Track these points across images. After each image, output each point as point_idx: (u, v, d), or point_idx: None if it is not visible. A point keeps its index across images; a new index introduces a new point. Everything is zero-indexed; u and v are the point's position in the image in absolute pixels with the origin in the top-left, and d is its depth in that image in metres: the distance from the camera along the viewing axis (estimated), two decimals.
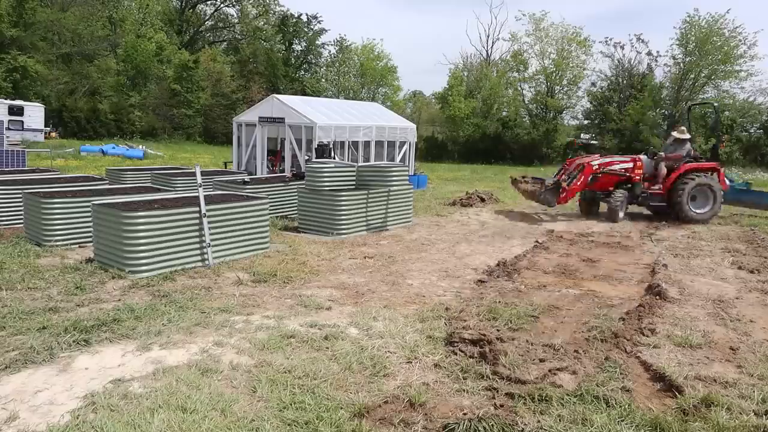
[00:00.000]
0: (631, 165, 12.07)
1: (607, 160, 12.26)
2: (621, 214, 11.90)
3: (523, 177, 12.88)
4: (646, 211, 12.94)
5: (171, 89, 40.61)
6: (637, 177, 12.01)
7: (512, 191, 14.11)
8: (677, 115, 37.01)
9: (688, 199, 11.71)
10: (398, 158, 17.81)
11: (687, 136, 12.43)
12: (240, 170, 15.00)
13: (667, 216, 11.99)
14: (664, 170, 12.07)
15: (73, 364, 4.03)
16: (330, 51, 51.23)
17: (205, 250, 6.86)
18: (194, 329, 4.75)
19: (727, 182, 12.73)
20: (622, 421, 3.39)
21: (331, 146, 14.25)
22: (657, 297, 6.02)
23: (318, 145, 13.79)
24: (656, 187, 12.12)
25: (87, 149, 25.57)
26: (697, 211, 11.81)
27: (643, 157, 12.34)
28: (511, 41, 48.66)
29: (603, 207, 12.64)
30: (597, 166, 11.89)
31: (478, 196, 14.25)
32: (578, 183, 11.84)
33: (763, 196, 13.27)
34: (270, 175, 14.49)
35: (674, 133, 12.67)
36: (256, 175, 14.31)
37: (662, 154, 12.34)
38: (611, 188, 12.14)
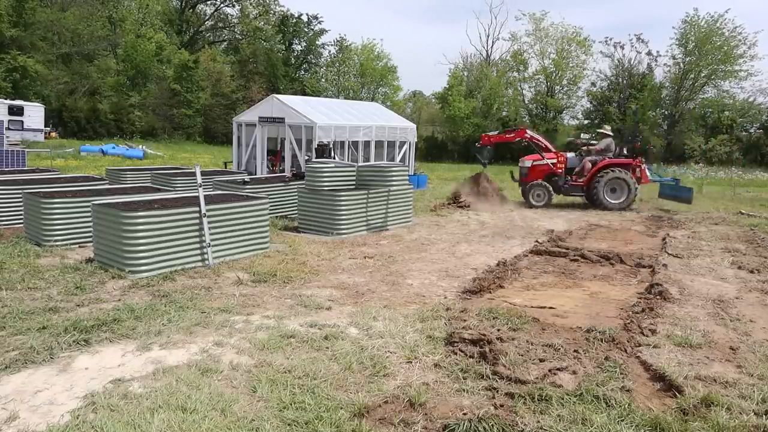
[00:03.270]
0: (555, 160, 14.11)
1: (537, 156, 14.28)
2: (539, 203, 13.81)
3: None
4: (645, 212, 13.71)
5: (171, 89, 40.62)
6: (560, 170, 14.02)
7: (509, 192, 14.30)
8: (677, 115, 37.05)
9: (605, 190, 13.45)
10: (398, 158, 17.81)
11: (610, 133, 14.33)
12: (240, 170, 14.99)
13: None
14: (588, 165, 13.81)
15: (73, 364, 4.03)
16: (330, 51, 51.35)
17: (205, 250, 6.86)
18: (194, 329, 4.75)
19: (649, 177, 14.34)
20: (622, 421, 3.39)
21: (331, 146, 14.24)
22: (657, 297, 6.02)
23: (318, 145, 13.78)
24: (580, 179, 13.84)
25: (87, 149, 25.60)
26: (613, 201, 13.48)
27: (569, 154, 14.41)
28: (511, 41, 48.69)
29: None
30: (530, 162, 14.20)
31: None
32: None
33: (686, 191, 14.36)
34: (270, 175, 14.48)
35: (601, 130, 14.73)
36: (256, 175, 14.30)
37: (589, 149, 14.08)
38: (541, 179, 14.06)
